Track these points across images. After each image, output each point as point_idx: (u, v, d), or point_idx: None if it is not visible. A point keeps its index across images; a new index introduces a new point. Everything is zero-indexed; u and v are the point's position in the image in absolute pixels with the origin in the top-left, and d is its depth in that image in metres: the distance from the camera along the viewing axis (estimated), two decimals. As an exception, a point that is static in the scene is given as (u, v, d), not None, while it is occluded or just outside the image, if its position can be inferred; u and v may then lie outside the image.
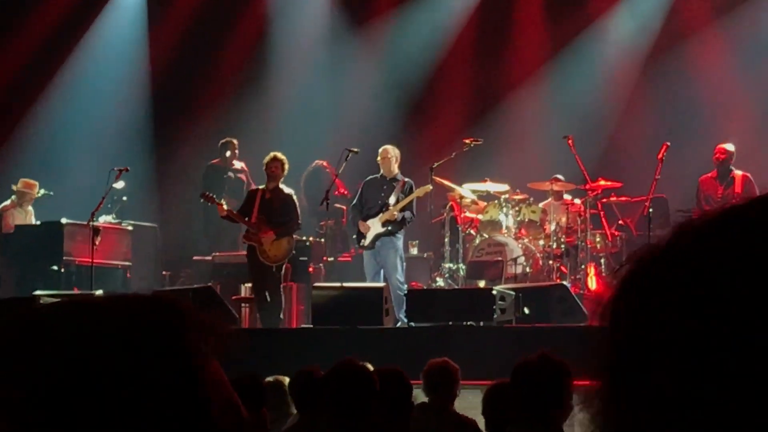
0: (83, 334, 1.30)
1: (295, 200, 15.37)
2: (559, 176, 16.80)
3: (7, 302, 12.08)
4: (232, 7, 20.65)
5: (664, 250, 1.16)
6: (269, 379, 8.10)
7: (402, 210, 15.18)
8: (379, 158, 15.49)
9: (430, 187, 15.48)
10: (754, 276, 1.09)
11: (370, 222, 15.23)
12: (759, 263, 1.10)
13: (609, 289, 1.24)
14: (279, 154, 15.30)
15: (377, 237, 15.19)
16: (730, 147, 16.42)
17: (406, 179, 15.50)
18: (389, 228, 15.17)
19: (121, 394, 1.27)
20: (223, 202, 15.63)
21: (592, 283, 15.90)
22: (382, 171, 15.49)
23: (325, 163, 18.52)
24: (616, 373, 1.18)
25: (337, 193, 17.31)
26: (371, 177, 15.61)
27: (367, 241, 15.23)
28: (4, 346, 1.34)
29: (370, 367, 6.11)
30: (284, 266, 15.26)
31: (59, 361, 1.28)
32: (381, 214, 15.20)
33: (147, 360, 1.28)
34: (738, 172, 16.26)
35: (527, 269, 15.88)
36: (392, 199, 15.26)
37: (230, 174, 18.15)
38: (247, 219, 15.23)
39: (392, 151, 15.52)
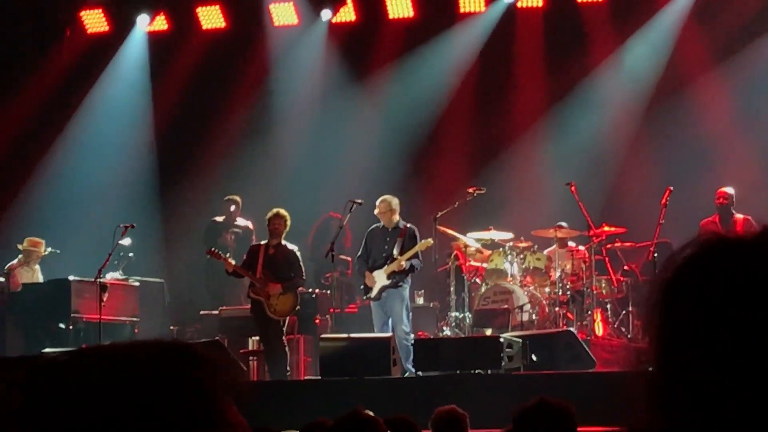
0: (102, 383, 1.34)
1: (299, 256, 15.44)
2: (563, 223, 16.86)
3: (15, 361, 12.10)
4: (233, 62, 20.78)
5: (738, 243, 1.22)
6: (281, 433, 8.10)
7: (408, 259, 15.21)
8: (377, 211, 15.51)
9: (431, 241, 15.48)
10: None
11: (375, 274, 15.25)
12: None
13: (664, 272, 1.29)
14: (282, 211, 15.38)
15: (383, 289, 15.22)
16: (730, 190, 16.49)
17: (408, 225, 15.52)
18: (395, 279, 15.20)
19: None
20: (229, 257, 15.70)
21: (599, 329, 15.91)
22: (382, 222, 15.52)
23: (337, 215, 18.61)
24: (673, 344, 1.22)
25: (346, 245, 17.41)
26: (374, 226, 15.64)
27: (373, 293, 15.24)
28: (23, 399, 1.37)
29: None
30: (288, 318, 15.31)
31: (81, 411, 1.32)
32: (386, 266, 15.23)
33: (169, 406, 1.31)
34: (739, 216, 16.32)
35: (533, 316, 15.89)
36: (396, 250, 15.29)
37: (233, 231, 18.24)
38: (252, 274, 15.29)
39: (391, 203, 15.51)
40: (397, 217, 15.49)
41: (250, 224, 18.31)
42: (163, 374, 1.34)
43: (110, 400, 1.32)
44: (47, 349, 14.35)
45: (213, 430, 1.33)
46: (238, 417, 1.37)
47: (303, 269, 15.42)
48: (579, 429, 5.63)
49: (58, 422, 1.33)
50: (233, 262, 15.53)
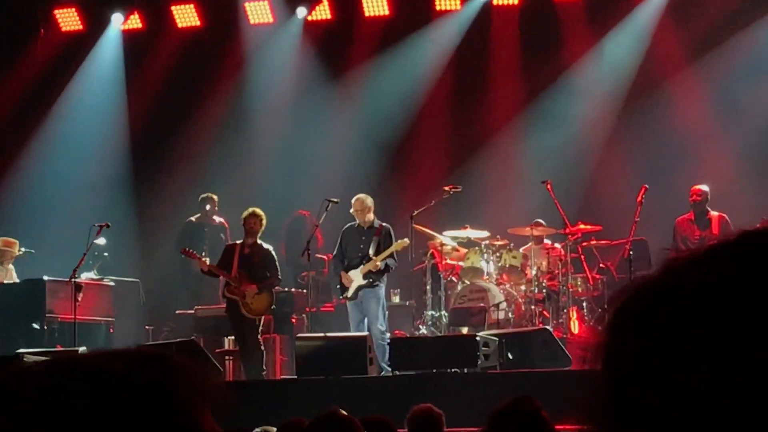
0: (73, 394, 1.31)
1: (275, 255, 15.42)
2: (541, 221, 16.88)
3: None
4: (208, 60, 20.73)
5: (658, 287, 1.19)
6: (257, 430, 8.08)
7: (383, 260, 15.21)
8: (352, 210, 15.51)
9: (407, 241, 15.48)
10: (756, 304, 1.12)
11: (351, 273, 15.25)
12: (756, 292, 1.13)
13: (597, 332, 1.27)
14: (257, 210, 15.35)
15: (359, 288, 15.21)
16: (705, 188, 16.54)
17: (384, 224, 15.53)
18: (371, 279, 15.19)
19: None
20: (203, 256, 15.66)
21: (575, 327, 15.93)
22: (357, 221, 15.52)
23: (306, 213, 18.58)
24: (615, 410, 1.20)
25: (318, 244, 17.38)
26: (349, 225, 15.63)
27: (349, 293, 15.24)
28: None
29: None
30: (264, 317, 15.28)
31: (54, 423, 1.30)
32: (362, 266, 15.22)
33: (143, 417, 1.29)
34: (714, 213, 16.37)
35: (510, 315, 15.90)
36: (372, 249, 15.28)
37: (209, 229, 18.19)
38: (227, 273, 15.25)
39: (365, 201, 15.52)
40: (371, 216, 15.49)
41: (225, 222, 18.27)
42: (137, 384, 1.32)
43: (83, 412, 1.29)
44: (21, 350, 14.26)
45: None
46: (213, 425, 1.35)
47: (279, 269, 15.39)
48: (556, 427, 5.61)
49: None
50: (208, 261, 15.51)
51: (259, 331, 15.13)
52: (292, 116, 20.46)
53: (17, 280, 17.24)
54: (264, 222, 15.31)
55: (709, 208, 16.44)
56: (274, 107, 20.59)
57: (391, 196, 18.27)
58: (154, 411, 1.30)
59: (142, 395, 1.31)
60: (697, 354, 1.13)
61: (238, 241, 15.58)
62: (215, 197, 18.34)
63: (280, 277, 15.48)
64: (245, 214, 15.36)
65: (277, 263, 15.38)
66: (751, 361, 1.10)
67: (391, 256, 15.25)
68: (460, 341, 14.01)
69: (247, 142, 20.45)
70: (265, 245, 15.39)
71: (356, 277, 15.21)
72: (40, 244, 17.91)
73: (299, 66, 20.62)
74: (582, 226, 16.53)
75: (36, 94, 20.39)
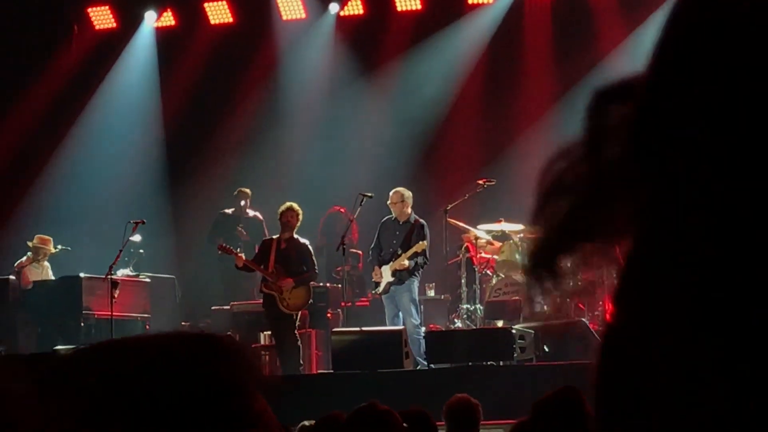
0: (132, 375, 1.32)
1: (311, 250, 15.44)
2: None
3: (28, 359, 12.10)
4: (241, 56, 20.77)
5: None
6: (302, 424, 8.10)
7: (411, 258, 15.19)
8: (389, 202, 15.52)
9: (425, 243, 15.38)
10: None
11: (383, 269, 15.27)
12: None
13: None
14: (294, 205, 15.37)
15: (389, 284, 15.23)
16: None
17: (420, 220, 15.53)
18: (399, 276, 15.19)
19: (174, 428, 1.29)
20: (239, 251, 15.69)
21: (611, 319, 15.86)
22: (394, 215, 15.53)
23: (342, 209, 18.59)
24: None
25: (353, 238, 17.41)
26: (387, 218, 15.64)
27: (380, 289, 15.27)
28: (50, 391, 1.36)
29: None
30: (300, 312, 15.31)
31: (111, 404, 1.30)
32: (392, 262, 15.23)
33: (200, 399, 1.30)
34: None
35: (545, 308, 15.81)
36: (402, 247, 15.28)
37: (244, 224, 18.22)
38: (264, 268, 15.28)
39: (403, 195, 15.52)
40: (409, 211, 15.48)
41: (259, 215, 18.30)
42: (194, 367, 1.33)
43: (139, 393, 1.30)
44: (59, 347, 14.35)
45: (242, 422, 1.32)
46: (265, 407, 1.36)
47: (315, 263, 15.41)
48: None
49: (91, 414, 1.31)
50: (244, 257, 15.53)
51: (296, 326, 15.16)
52: (325, 111, 20.48)
53: (53, 278, 17.34)
54: (300, 216, 15.33)
55: None
56: (307, 103, 20.62)
57: (425, 190, 18.23)
58: (210, 391, 1.31)
59: (200, 375, 1.32)
60: None
61: (274, 236, 15.61)
62: (249, 191, 18.37)
63: (317, 271, 15.50)
64: (282, 208, 15.39)
65: (313, 257, 15.39)
66: None
67: (418, 254, 15.24)
68: (495, 334, 14.02)
69: (280, 137, 20.49)
70: (302, 240, 15.41)
71: (386, 273, 15.23)
72: (76, 242, 18.00)
73: (332, 61, 20.65)
74: (617, 219, 16.44)
75: (70, 93, 20.49)
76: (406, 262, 15.13)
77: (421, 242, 15.27)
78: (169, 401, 1.29)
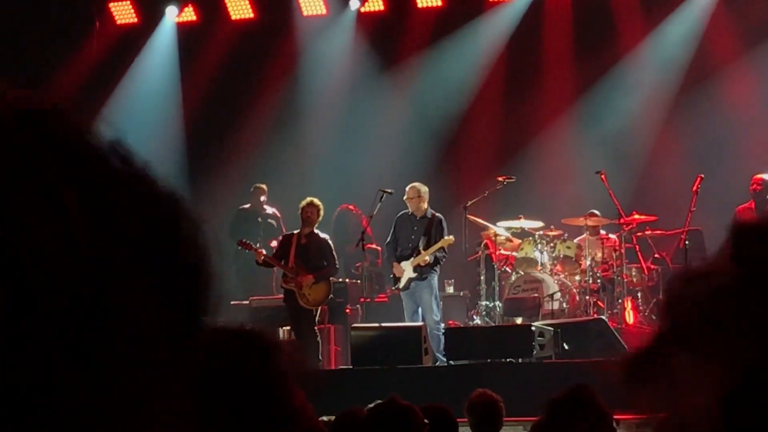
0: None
1: (331, 245, 15.46)
2: (596, 211, 16.79)
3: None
4: (262, 52, 20.80)
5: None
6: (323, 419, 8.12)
7: (431, 254, 15.22)
8: (405, 197, 15.53)
9: (452, 238, 15.41)
10: None
11: (403, 264, 15.27)
12: None
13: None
14: (315, 200, 15.39)
15: (410, 280, 15.24)
16: (766, 177, 16.38)
17: (437, 214, 15.54)
18: (421, 272, 15.20)
19: (220, 415, 1.31)
20: (258, 247, 15.73)
21: (630, 317, 15.87)
22: (410, 210, 15.54)
23: (351, 206, 18.61)
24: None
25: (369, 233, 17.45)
26: (402, 213, 15.65)
27: (401, 284, 15.27)
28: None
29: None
30: (320, 308, 15.34)
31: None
32: (413, 258, 15.24)
33: (245, 391, 1.32)
34: (775, 203, 16.23)
35: (564, 305, 15.87)
36: (422, 241, 15.29)
37: (261, 219, 18.26)
38: (284, 263, 15.31)
39: (419, 190, 15.52)
40: (425, 206, 15.49)
41: (276, 211, 18.35)
42: (238, 362, 1.35)
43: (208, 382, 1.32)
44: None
45: (284, 415, 1.34)
46: (304, 403, 1.38)
47: (336, 258, 15.43)
48: (614, 417, 5.62)
49: None
50: (264, 252, 15.57)
51: (316, 321, 15.19)
52: (345, 107, 20.50)
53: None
54: (321, 212, 15.36)
55: (768, 198, 16.30)
56: (327, 99, 20.64)
57: (445, 187, 18.25)
58: (253, 384, 1.33)
59: (243, 369, 1.34)
60: None
61: (295, 231, 15.64)
62: (265, 187, 18.42)
63: (337, 266, 15.53)
64: (303, 203, 15.42)
65: (334, 252, 15.41)
66: None
67: (439, 249, 15.27)
68: (515, 331, 14.03)
69: (300, 133, 20.53)
70: (322, 234, 15.44)
71: (407, 269, 15.23)
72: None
73: (352, 57, 20.67)
74: (636, 216, 16.45)
75: (92, 88, 20.53)
76: (428, 257, 15.15)
77: (447, 237, 15.30)
78: (215, 395, 1.32)
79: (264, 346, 1.37)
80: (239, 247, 16.08)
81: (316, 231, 15.39)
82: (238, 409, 1.32)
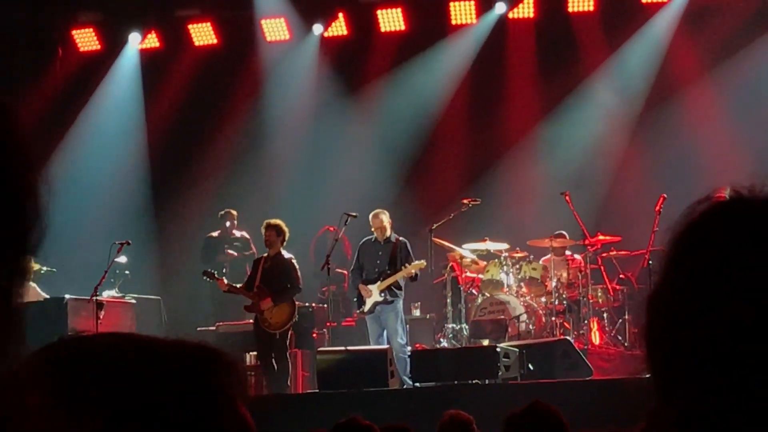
0: (129, 369, 1.32)
1: (295, 264, 15.43)
2: (563, 232, 16.84)
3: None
4: (226, 77, 20.80)
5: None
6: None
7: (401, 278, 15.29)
8: (371, 226, 15.58)
9: (423, 263, 15.46)
10: None
11: (370, 287, 15.30)
12: None
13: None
14: (272, 221, 15.41)
15: (376, 303, 15.25)
16: (725, 194, 16.47)
17: (400, 238, 15.57)
18: (387, 297, 15.22)
19: (149, 424, 1.29)
20: (225, 272, 15.73)
21: (596, 338, 15.92)
22: (375, 236, 15.58)
23: (332, 228, 18.64)
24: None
25: (347, 255, 17.49)
26: (366, 239, 15.69)
27: (366, 308, 15.29)
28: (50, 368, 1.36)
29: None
30: (289, 333, 15.31)
31: (106, 396, 1.30)
32: (379, 282, 15.26)
33: (191, 404, 1.30)
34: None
35: (530, 326, 15.90)
36: (388, 264, 15.33)
37: (228, 245, 18.26)
38: (247, 290, 15.32)
39: (382, 218, 15.57)
40: (389, 230, 15.53)
41: (246, 234, 18.34)
42: (189, 372, 1.33)
43: (122, 388, 1.30)
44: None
45: (214, 427, 1.32)
46: (249, 420, 1.36)
47: (299, 277, 15.39)
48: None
49: (82, 399, 1.31)
50: (226, 281, 15.59)
51: (287, 346, 15.16)
52: (310, 132, 20.52)
53: (44, 296, 17.27)
54: (282, 231, 15.32)
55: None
56: (292, 123, 20.66)
57: (410, 210, 18.29)
58: (203, 399, 1.32)
59: (195, 381, 1.32)
60: None
61: (264, 255, 15.66)
62: (234, 212, 18.42)
63: (300, 286, 15.47)
64: (262, 227, 15.46)
65: (297, 272, 15.37)
66: None
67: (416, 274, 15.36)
68: (480, 353, 14.03)
69: (265, 157, 20.52)
70: (286, 255, 15.42)
71: (373, 293, 15.25)
72: (61, 263, 17.95)
73: (316, 82, 20.69)
74: (601, 237, 16.52)
75: (55, 114, 20.48)
76: (401, 281, 15.24)
77: (418, 262, 15.33)
78: (157, 401, 1.30)
79: (218, 362, 1.35)
80: (204, 278, 16.05)
81: (282, 251, 15.37)
82: (184, 417, 1.30)
